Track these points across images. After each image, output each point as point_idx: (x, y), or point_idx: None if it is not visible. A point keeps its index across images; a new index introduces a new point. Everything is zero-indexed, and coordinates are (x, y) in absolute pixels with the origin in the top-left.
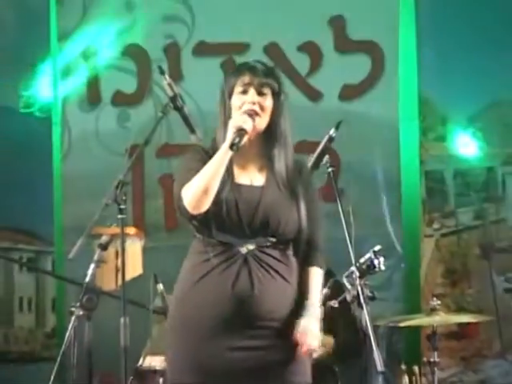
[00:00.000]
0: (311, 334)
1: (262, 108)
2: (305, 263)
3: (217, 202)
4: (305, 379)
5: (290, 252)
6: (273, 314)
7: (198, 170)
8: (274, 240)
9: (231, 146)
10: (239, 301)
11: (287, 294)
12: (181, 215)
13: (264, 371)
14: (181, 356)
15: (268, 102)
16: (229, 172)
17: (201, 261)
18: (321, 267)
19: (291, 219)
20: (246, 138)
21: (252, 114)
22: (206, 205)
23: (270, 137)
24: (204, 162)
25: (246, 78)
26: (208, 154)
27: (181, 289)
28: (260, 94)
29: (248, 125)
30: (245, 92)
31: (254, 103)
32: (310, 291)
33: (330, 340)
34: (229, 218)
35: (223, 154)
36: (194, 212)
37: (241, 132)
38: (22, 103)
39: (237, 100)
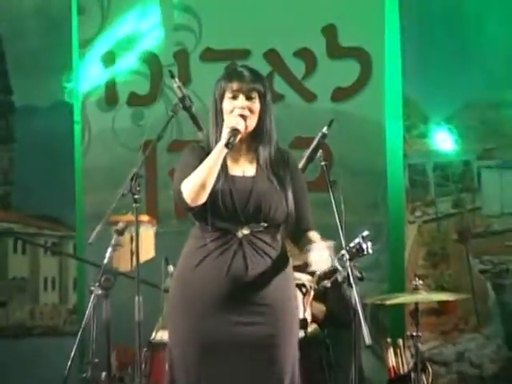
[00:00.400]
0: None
1: (250, 111)
2: (302, 234)
3: (213, 192)
4: (292, 350)
5: (279, 237)
6: (264, 292)
7: (195, 166)
8: (265, 225)
9: (226, 145)
10: (235, 281)
11: (277, 274)
12: (180, 207)
13: (257, 343)
14: (182, 332)
15: (256, 104)
16: (223, 165)
17: (199, 246)
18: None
19: (280, 205)
20: (239, 137)
21: (244, 117)
22: (204, 198)
23: (257, 134)
24: (200, 158)
25: (235, 85)
26: (204, 150)
27: (181, 271)
28: (248, 98)
29: (241, 125)
30: (235, 97)
31: (243, 108)
32: (313, 240)
33: (323, 308)
34: (224, 206)
35: (219, 152)
36: (193, 204)
37: (235, 132)
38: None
39: (228, 105)
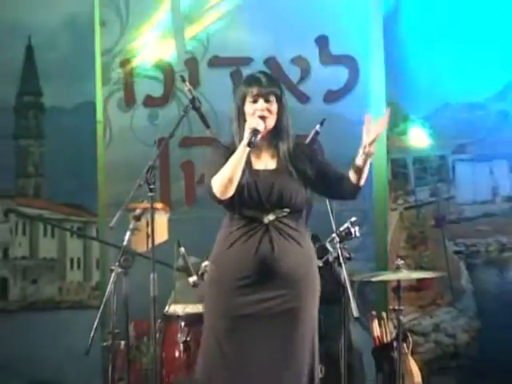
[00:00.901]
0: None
1: (269, 112)
2: (344, 180)
3: (240, 185)
4: (313, 322)
5: (302, 221)
6: (289, 270)
7: (221, 163)
8: (288, 210)
9: (249, 144)
10: (262, 261)
11: (300, 255)
12: (212, 200)
13: (282, 316)
14: (214, 307)
15: (274, 106)
16: (247, 161)
17: (229, 232)
18: None
19: (300, 192)
20: (259, 137)
21: (263, 118)
22: (231, 191)
23: (276, 131)
24: (225, 156)
25: (255, 90)
26: (228, 149)
27: (215, 255)
28: (266, 101)
29: (261, 126)
30: (255, 101)
31: (263, 110)
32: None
33: None
34: (250, 197)
35: (242, 151)
36: (222, 198)
37: (255, 132)
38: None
39: (249, 108)
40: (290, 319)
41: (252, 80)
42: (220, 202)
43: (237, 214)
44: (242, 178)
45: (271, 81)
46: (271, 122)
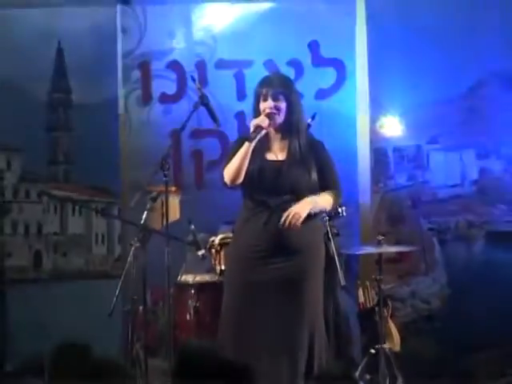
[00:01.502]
0: (292, 212)
1: (278, 109)
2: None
3: (253, 172)
4: (318, 285)
5: None
6: (294, 240)
7: (234, 155)
8: (293, 196)
9: (248, 139)
10: (270, 232)
11: (303, 231)
12: (225, 186)
13: (290, 279)
14: (232, 273)
15: (282, 104)
16: (261, 152)
17: (244, 213)
18: (330, 194)
19: (304, 181)
20: (263, 132)
21: (271, 114)
22: (240, 179)
23: (286, 127)
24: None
25: (265, 90)
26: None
27: (235, 230)
28: (275, 100)
29: (265, 123)
30: (265, 100)
31: (271, 108)
32: (309, 197)
33: None
34: (262, 183)
35: (247, 145)
36: (232, 184)
37: (258, 128)
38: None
39: (261, 105)
40: (297, 282)
41: (263, 81)
42: (231, 187)
43: (250, 198)
44: (255, 166)
45: (281, 81)
46: (280, 118)
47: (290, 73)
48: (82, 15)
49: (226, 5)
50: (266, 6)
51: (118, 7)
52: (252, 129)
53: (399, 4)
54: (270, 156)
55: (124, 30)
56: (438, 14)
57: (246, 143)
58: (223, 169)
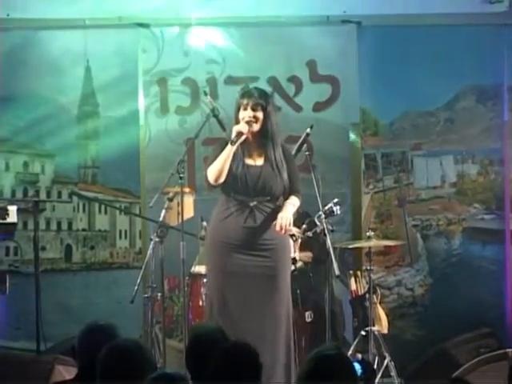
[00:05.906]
0: (283, 217)
1: (255, 118)
2: (289, 195)
3: (234, 175)
4: (287, 279)
5: (280, 204)
6: (268, 238)
7: (217, 156)
8: (268, 198)
9: (231, 142)
10: (248, 230)
11: (275, 230)
12: (207, 185)
13: (264, 272)
14: (212, 265)
15: (259, 114)
16: (241, 157)
17: (224, 209)
18: (298, 197)
19: (279, 185)
20: (243, 137)
21: (250, 122)
22: (222, 179)
23: (263, 135)
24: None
25: (245, 101)
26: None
27: (212, 225)
28: (254, 110)
29: (244, 129)
30: (245, 109)
31: (250, 116)
32: (286, 203)
33: (310, 254)
34: (241, 185)
35: (229, 148)
36: (214, 184)
37: (239, 133)
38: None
39: (241, 114)
40: (269, 275)
41: (245, 93)
42: (213, 187)
43: (231, 197)
44: (236, 170)
45: (259, 94)
46: (257, 126)
47: (291, 88)
48: (108, 37)
49: (233, 28)
50: (269, 29)
51: (139, 30)
52: (234, 134)
53: (388, 32)
54: (249, 161)
55: (144, 51)
56: (423, 38)
57: (229, 146)
58: (206, 169)
